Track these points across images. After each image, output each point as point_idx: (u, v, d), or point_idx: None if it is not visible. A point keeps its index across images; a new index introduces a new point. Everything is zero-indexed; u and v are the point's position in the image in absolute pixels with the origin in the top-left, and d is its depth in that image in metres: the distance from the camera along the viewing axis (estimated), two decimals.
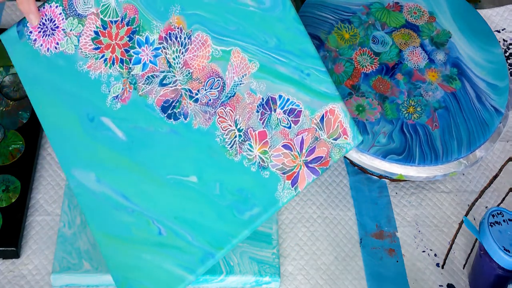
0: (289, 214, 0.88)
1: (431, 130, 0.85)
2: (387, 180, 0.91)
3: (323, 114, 0.72)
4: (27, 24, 0.78)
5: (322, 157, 0.71)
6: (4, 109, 0.93)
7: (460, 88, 0.89)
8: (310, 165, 0.72)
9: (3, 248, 0.81)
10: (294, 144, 0.72)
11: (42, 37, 0.78)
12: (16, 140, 0.90)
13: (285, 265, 0.84)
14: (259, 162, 0.72)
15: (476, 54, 0.92)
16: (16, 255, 0.82)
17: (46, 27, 0.78)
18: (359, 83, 0.88)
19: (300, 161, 0.72)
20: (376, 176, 0.91)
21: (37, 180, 0.89)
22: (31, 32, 0.78)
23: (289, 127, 0.72)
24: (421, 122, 0.85)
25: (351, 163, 0.92)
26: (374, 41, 0.92)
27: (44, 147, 0.91)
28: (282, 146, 0.72)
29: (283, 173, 0.72)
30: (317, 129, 0.72)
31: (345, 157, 0.92)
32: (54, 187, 0.88)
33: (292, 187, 0.71)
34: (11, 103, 0.93)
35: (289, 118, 0.72)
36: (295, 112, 0.72)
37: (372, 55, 0.90)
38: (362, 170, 0.92)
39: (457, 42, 0.92)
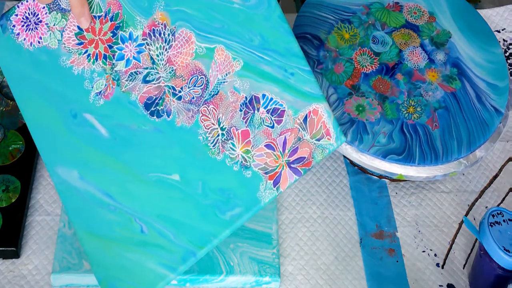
0: (289, 214, 0.88)
1: (431, 130, 0.85)
2: (387, 180, 0.91)
3: (307, 114, 0.71)
4: (10, 18, 0.77)
5: (305, 157, 0.71)
6: (4, 109, 0.93)
7: (460, 88, 0.89)
8: (292, 165, 0.71)
9: (3, 248, 0.81)
10: (277, 144, 0.71)
11: (25, 31, 0.77)
12: (16, 140, 0.90)
13: (285, 265, 0.84)
14: (242, 162, 0.72)
15: (476, 54, 0.92)
16: (16, 255, 0.82)
17: (29, 21, 0.77)
18: (359, 83, 0.88)
19: (283, 161, 0.71)
20: (376, 176, 0.91)
21: (37, 180, 0.89)
22: (14, 26, 0.77)
23: (272, 127, 0.72)
24: (421, 122, 0.85)
25: (351, 163, 0.92)
26: (374, 41, 0.92)
27: None
28: (264, 145, 0.72)
29: (265, 173, 0.71)
30: (300, 129, 0.71)
31: (345, 157, 0.92)
32: (54, 187, 0.88)
33: (274, 187, 0.71)
34: (11, 103, 0.93)
35: (272, 118, 0.72)
36: (279, 112, 0.72)
37: (372, 55, 0.90)
38: (362, 170, 0.92)
39: (457, 42, 0.92)
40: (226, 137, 0.72)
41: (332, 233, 0.87)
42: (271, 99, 0.72)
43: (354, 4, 0.95)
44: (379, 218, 0.88)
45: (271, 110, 0.72)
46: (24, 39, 0.77)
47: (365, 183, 0.91)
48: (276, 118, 0.72)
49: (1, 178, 0.87)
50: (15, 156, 0.89)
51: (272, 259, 0.82)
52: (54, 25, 0.76)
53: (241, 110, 0.72)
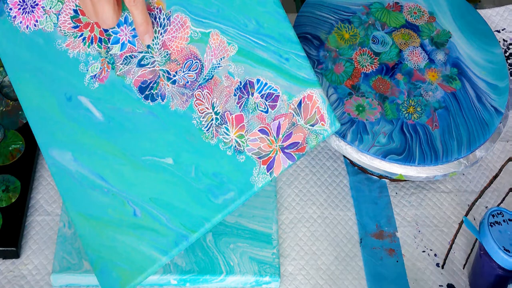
0: (289, 214, 0.88)
1: (431, 130, 0.85)
2: (387, 180, 0.91)
3: (301, 100, 0.71)
4: (7, 1, 0.77)
5: (299, 143, 0.71)
6: (4, 109, 0.93)
7: (460, 88, 0.89)
8: (286, 150, 0.71)
9: (3, 248, 0.81)
10: (271, 129, 0.72)
11: (22, 14, 0.77)
12: (16, 140, 0.90)
13: (285, 265, 0.84)
14: (235, 146, 0.72)
15: (476, 54, 0.92)
16: (16, 255, 0.82)
17: (26, 4, 0.77)
18: (359, 83, 0.88)
19: (276, 146, 0.71)
20: (376, 176, 0.91)
21: (37, 180, 0.89)
22: (11, 9, 0.77)
23: (266, 112, 0.72)
24: (421, 122, 0.85)
25: (351, 163, 0.92)
26: (374, 41, 0.92)
27: None
28: (258, 130, 0.72)
29: (259, 158, 0.71)
30: (294, 114, 0.71)
31: (345, 157, 0.92)
32: (54, 187, 0.88)
33: (268, 172, 0.71)
34: (11, 103, 0.93)
35: (267, 103, 0.72)
36: (273, 97, 0.72)
37: (372, 55, 0.90)
38: (362, 170, 0.92)
39: (457, 42, 0.92)
40: (220, 121, 0.72)
41: (332, 233, 0.87)
42: (266, 84, 0.72)
43: (354, 4, 0.95)
44: (379, 218, 0.88)
45: (265, 95, 0.72)
46: (21, 22, 0.77)
47: (365, 183, 0.91)
48: (270, 103, 0.72)
49: (1, 178, 0.87)
50: (15, 156, 0.89)
51: (272, 259, 0.82)
52: (50, 8, 0.77)
53: (235, 95, 0.72)
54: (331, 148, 0.93)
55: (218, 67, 0.73)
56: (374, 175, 0.91)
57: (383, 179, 0.91)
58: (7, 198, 0.85)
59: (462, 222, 0.78)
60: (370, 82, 0.88)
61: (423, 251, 0.86)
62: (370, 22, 0.93)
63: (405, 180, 0.91)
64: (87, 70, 0.76)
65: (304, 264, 0.84)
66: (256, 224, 0.84)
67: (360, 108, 0.86)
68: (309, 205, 0.89)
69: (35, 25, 0.77)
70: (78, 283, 0.80)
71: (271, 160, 0.71)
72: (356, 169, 0.92)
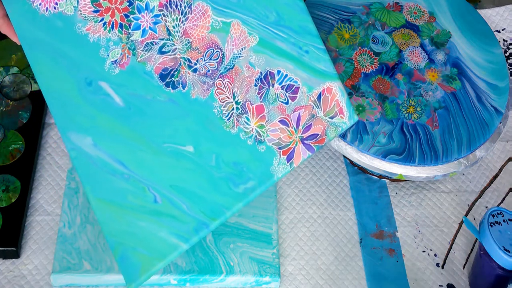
0: (289, 214, 0.88)
1: (431, 130, 0.85)
2: (387, 180, 0.91)
3: (321, 92, 0.72)
4: None
5: (318, 134, 0.72)
6: (4, 109, 0.93)
7: (460, 88, 0.89)
8: (306, 141, 0.72)
9: (3, 248, 0.81)
10: (291, 120, 0.72)
11: None
12: (16, 140, 0.90)
13: (285, 265, 0.84)
14: (256, 136, 0.72)
15: (476, 54, 0.92)
16: (16, 255, 0.82)
17: None
18: (359, 83, 0.88)
19: (296, 137, 0.72)
20: (376, 176, 0.91)
21: (37, 180, 0.89)
22: None
23: (287, 103, 0.72)
24: (421, 122, 0.85)
25: (351, 163, 0.92)
26: (374, 41, 0.92)
27: (44, 147, 0.91)
28: (279, 121, 0.72)
29: (279, 148, 0.72)
30: (314, 106, 0.72)
31: (345, 157, 0.92)
32: (54, 187, 0.88)
33: (288, 162, 0.72)
34: (11, 103, 0.93)
35: (287, 94, 0.72)
36: (293, 88, 0.72)
37: (372, 55, 0.90)
38: (362, 170, 0.92)
39: (457, 42, 0.92)
40: (241, 111, 0.73)
41: (332, 233, 0.87)
42: (286, 75, 0.73)
43: (354, 4, 0.95)
44: (379, 218, 0.88)
45: (285, 87, 0.73)
46: (40, 4, 0.76)
47: (365, 183, 0.91)
48: (291, 95, 0.72)
49: (1, 178, 0.87)
50: (15, 156, 0.89)
51: (272, 259, 0.82)
52: None
53: (256, 85, 0.73)
54: (331, 148, 0.93)
55: (239, 57, 0.74)
56: (374, 175, 0.91)
57: (383, 179, 0.91)
58: (7, 198, 0.85)
59: (462, 222, 0.78)
60: (370, 82, 0.88)
61: (423, 251, 0.86)
62: (370, 22, 0.93)
63: (405, 180, 0.91)
64: (108, 56, 0.75)
65: (304, 264, 0.84)
66: (256, 224, 0.84)
67: (360, 108, 0.86)
68: (309, 205, 0.89)
69: (54, 7, 0.76)
70: (78, 283, 0.80)
71: (291, 150, 0.72)
72: (356, 169, 0.92)
